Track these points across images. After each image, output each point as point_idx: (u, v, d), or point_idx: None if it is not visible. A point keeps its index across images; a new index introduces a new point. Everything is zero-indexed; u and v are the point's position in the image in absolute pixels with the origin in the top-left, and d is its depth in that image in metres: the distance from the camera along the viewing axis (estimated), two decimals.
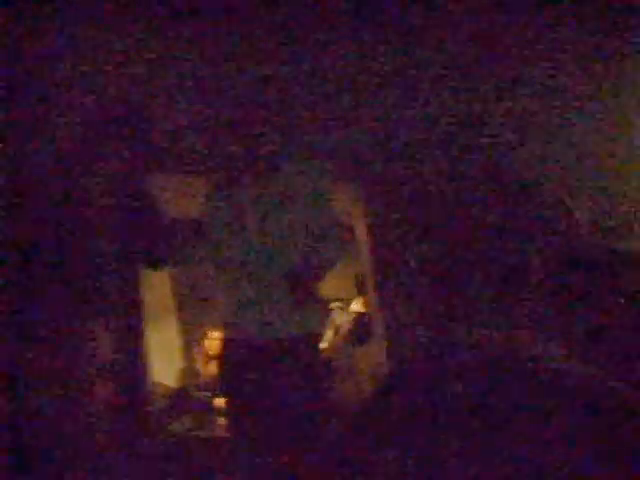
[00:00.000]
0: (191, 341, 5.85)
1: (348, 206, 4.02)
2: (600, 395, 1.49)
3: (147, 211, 2.78)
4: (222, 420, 4.55)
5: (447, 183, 3.58)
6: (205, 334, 5.47)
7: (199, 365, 5.41)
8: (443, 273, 3.73)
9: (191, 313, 6.27)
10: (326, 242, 2.91)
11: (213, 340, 5.39)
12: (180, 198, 3.59)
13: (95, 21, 3.52)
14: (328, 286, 3.13)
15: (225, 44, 3.57)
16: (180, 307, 6.36)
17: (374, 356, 4.26)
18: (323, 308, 3.08)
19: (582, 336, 2.97)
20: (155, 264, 2.87)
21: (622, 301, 3.00)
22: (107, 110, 2.84)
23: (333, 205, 2.95)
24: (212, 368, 5.37)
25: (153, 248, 2.81)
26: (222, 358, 2.96)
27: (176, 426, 4.55)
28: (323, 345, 3.47)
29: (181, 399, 5.05)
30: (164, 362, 5.86)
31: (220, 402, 4.85)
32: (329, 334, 5.06)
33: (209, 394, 5.04)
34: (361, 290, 4.80)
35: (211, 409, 4.80)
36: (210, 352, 5.37)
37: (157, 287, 6.11)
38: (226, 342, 2.92)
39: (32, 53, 3.49)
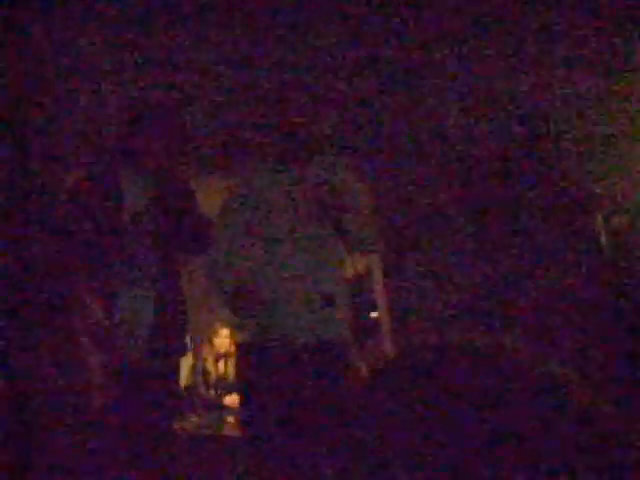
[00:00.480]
0: (200, 339, 5.82)
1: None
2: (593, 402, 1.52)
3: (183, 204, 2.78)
4: (231, 418, 4.52)
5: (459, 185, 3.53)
6: (214, 332, 5.43)
7: (208, 363, 5.37)
8: (449, 271, 3.68)
9: (200, 311, 6.23)
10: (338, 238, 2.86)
11: (223, 338, 5.36)
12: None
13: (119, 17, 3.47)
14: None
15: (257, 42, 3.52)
16: (189, 305, 6.32)
17: (379, 351, 4.21)
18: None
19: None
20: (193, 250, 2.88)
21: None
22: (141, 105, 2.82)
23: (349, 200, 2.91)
24: (221, 366, 5.34)
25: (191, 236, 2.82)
26: (238, 356, 2.93)
27: (184, 424, 4.51)
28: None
29: (189, 397, 5.01)
30: None
31: (229, 400, 4.82)
32: None
33: (218, 392, 5.00)
34: (366, 287, 4.74)
35: (220, 407, 4.76)
36: (220, 350, 5.34)
37: None
38: (241, 340, 2.88)
39: (56, 50, 3.45)
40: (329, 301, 2.79)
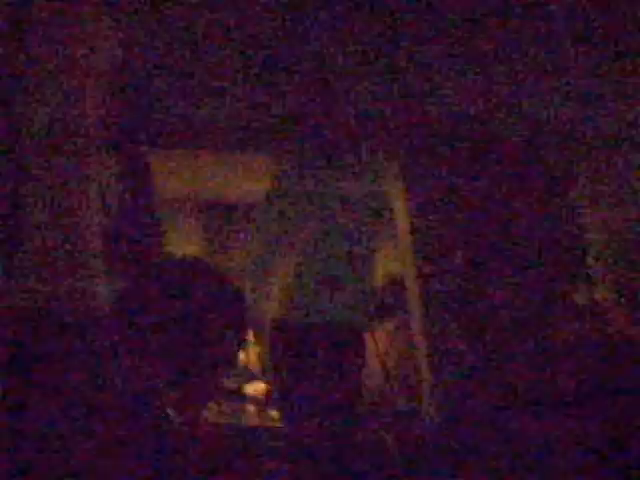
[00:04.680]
0: None
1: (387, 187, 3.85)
2: None
3: None
4: (251, 407, 4.45)
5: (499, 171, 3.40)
6: None
7: None
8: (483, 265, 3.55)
9: None
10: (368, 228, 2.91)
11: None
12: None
13: None
14: None
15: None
16: None
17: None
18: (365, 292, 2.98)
19: None
20: None
21: None
22: None
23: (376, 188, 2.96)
24: (242, 356, 5.26)
25: None
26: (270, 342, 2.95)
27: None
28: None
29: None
30: None
31: (250, 389, 4.74)
32: None
33: (239, 381, 4.93)
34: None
35: (241, 396, 4.70)
36: None
37: None
38: (274, 325, 2.89)
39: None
40: (336, 284, 2.84)
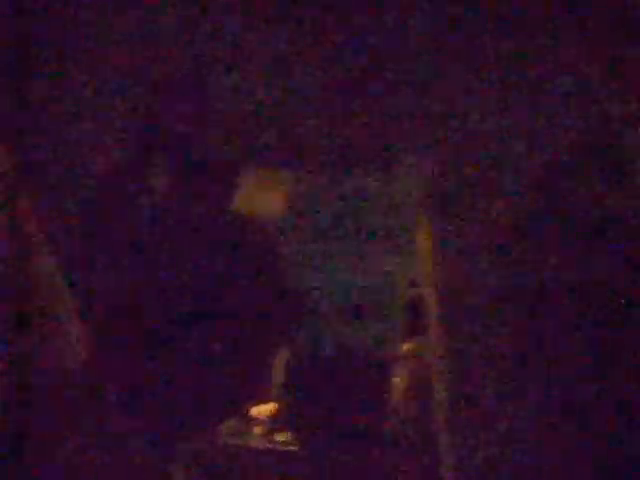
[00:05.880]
0: None
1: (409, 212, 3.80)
2: None
3: None
4: (258, 429, 4.38)
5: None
6: None
7: None
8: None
9: None
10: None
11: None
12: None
13: None
14: None
15: None
16: None
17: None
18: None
19: None
20: None
21: None
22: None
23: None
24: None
25: None
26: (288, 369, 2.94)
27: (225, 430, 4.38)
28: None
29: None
30: None
31: (255, 411, 4.66)
32: None
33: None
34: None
35: (248, 418, 4.62)
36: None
37: None
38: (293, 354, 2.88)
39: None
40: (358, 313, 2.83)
